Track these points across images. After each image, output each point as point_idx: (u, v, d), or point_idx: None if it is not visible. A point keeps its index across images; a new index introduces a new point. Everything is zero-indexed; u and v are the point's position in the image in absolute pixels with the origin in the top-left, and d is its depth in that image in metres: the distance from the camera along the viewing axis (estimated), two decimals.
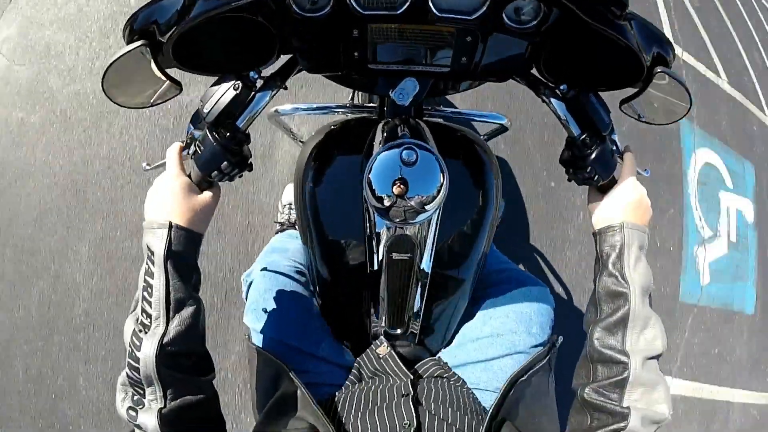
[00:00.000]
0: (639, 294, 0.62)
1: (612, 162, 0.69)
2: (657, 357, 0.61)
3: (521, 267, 1.90)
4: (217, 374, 0.65)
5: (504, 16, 0.62)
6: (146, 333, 0.57)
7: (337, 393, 0.71)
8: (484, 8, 0.60)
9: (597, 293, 0.67)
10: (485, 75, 0.75)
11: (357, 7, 0.60)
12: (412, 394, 0.65)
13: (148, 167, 0.71)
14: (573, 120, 0.69)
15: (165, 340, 0.56)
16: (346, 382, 0.75)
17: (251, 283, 0.86)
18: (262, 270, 0.87)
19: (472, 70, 0.72)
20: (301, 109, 1.01)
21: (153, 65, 0.60)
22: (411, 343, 0.80)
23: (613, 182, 0.70)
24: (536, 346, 0.78)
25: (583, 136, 0.68)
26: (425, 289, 0.76)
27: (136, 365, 0.56)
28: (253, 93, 0.65)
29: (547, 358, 0.75)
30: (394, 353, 0.75)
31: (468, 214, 0.80)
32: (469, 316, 0.84)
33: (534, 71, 0.73)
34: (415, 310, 0.77)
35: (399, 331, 0.78)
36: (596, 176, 0.69)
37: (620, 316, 0.62)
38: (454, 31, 0.65)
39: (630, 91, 0.69)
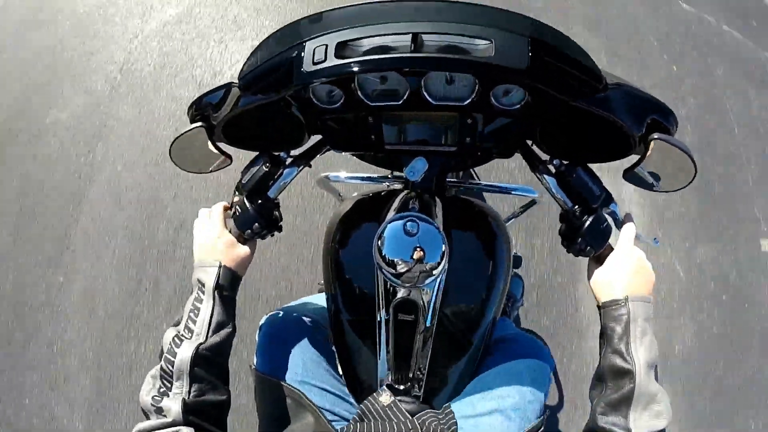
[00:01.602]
0: (644, 371, 0.62)
1: (604, 233, 0.71)
2: None
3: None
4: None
5: (493, 100, 0.69)
6: (188, 339, 0.68)
7: (343, 427, 0.74)
8: (474, 95, 0.69)
9: (602, 368, 0.66)
10: (490, 152, 0.82)
11: (366, 100, 0.71)
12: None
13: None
14: (564, 194, 0.73)
15: (203, 346, 0.68)
16: (352, 418, 0.78)
17: (261, 327, 0.93)
18: (271, 316, 0.94)
19: (477, 148, 0.79)
20: (347, 177, 1.13)
21: (208, 141, 0.77)
22: (415, 400, 0.81)
23: (609, 251, 0.71)
24: (532, 412, 0.78)
25: (574, 209, 0.71)
26: (429, 349, 0.79)
27: (172, 359, 0.66)
28: (281, 170, 0.79)
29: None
30: (397, 402, 0.77)
31: (478, 281, 0.85)
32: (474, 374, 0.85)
33: (534, 147, 0.78)
34: (419, 369, 0.80)
35: (402, 387, 0.80)
36: (588, 247, 0.71)
37: (624, 394, 0.62)
38: (455, 115, 0.74)
39: (634, 160, 0.70)
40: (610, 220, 0.73)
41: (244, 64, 0.69)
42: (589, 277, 0.73)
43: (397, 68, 0.64)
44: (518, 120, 0.73)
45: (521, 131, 0.76)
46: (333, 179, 1.14)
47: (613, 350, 0.64)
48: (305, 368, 0.84)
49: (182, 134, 0.77)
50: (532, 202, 1.14)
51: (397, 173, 1.17)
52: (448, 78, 0.68)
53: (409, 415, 0.75)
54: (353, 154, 0.91)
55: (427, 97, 0.70)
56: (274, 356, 0.86)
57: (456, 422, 0.77)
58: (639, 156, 0.68)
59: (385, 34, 0.62)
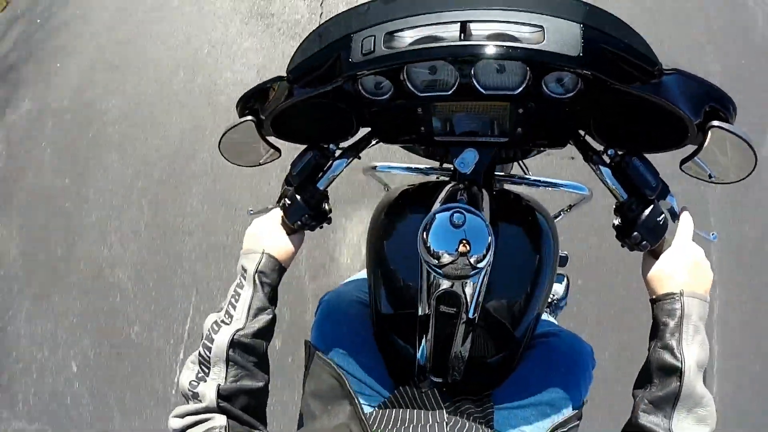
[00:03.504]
0: (694, 371, 0.59)
1: (661, 226, 0.68)
2: None
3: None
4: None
5: (545, 88, 0.68)
6: (227, 325, 0.70)
7: (374, 412, 0.75)
8: (525, 83, 0.68)
9: (649, 364, 0.64)
10: (543, 143, 0.80)
11: (415, 91, 0.71)
12: (446, 421, 0.67)
13: (252, 211, 0.89)
14: (619, 185, 0.70)
15: (240, 332, 0.69)
16: (384, 402, 0.80)
17: (320, 303, 0.96)
18: (331, 293, 0.98)
19: (528, 139, 0.78)
20: (394, 168, 1.14)
21: (258, 135, 0.80)
22: (453, 389, 0.82)
23: (666, 246, 0.68)
24: (566, 407, 0.78)
25: (630, 201, 0.68)
26: (469, 342, 0.78)
27: (210, 345, 0.68)
28: (331, 162, 0.81)
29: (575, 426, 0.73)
30: (435, 390, 0.78)
31: (523, 276, 0.84)
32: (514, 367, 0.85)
33: (587, 137, 0.75)
34: (459, 361, 0.80)
35: (441, 379, 0.81)
36: (644, 241, 0.68)
37: (670, 393, 0.59)
38: (507, 105, 0.73)
39: (691, 149, 0.68)
40: (667, 213, 0.70)
41: (292, 57, 0.70)
42: (643, 272, 0.71)
43: (446, 57, 0.64)
44: (571, 109, 0.71)
45: (574, 120, 0.74)
46: (380, 169, 1.16)
47: (663, 345, 0.62)
48: (353, 346, 0.86)
49: (231, 128, 0.79)
50: (582, 200, 1.10)
51: (445, 165, 1.17)
52: (498, 67, 0.67)
53: (442, 405, 0.75)
54: (402, 146, 0.92)
55: (477, 86, 0.69)
56: (326, 333, 0.89)
57: (493, 411, 0.78)
58: (696, 145, 0.65)
59: (435, 24, 0.62)
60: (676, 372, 0.60)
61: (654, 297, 0.67)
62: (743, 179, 0.67)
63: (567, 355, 0.83)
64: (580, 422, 0.78)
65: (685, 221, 0.70)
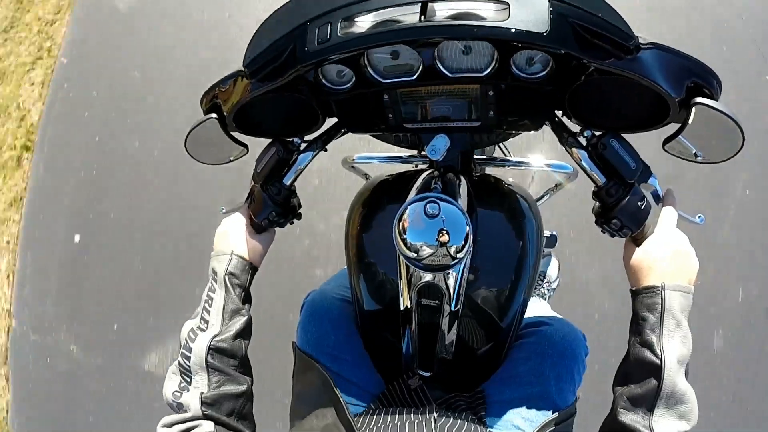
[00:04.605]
0: (674, 368, 0.57)
1: (642, 211, 0.64)
2: None
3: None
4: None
5: (514, 68, 0.64)
6: (203, 332, 0.69)
7: (363, 412, 0.74)
8: (493, 64, 0.64)
9: (628, 360, 0.62)
10: (517, 125, 0.76)
11: (378, 78, 0.68)
12: (435, 419, 0.67)
13: (224, 210, 0.86)
14: (597, 169, 0.66)
15: (217, 338, 0.68)
16: (374, 402, 0.79)
17: (304, 304, 0.95)
18: (314, 292, 0.96)
19: (502, 122, 0.74)
20: (373, 158, 1.11)
21: (222, 132, 0.76)
22: (443, 384, 0.81)
23: (649, 232, 0.65)
24: (560, 399, 0.76)
25: (608, 185, 0.65)
26: (454, 333, 0.77)
27: (189, 354, 0.67)
28: (295, 156, 0.78)
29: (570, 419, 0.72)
30: (424, 386, 0.77)
31: (507, 263, 0.81)
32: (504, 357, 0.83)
33: (564, 118, 0.72)
34: (445, 354, 0.78)
35: (428, 373, 0.79)
36: (624, 228, 0.65)
37: (650, 390, 0.58)
38: (477, 88, 0.69)
39: (674, 128, 0.64)
40: (649, 196, 0.67)
41: (246, 50, 0.66)
42: (624, 260, 0.68)
43: (406, 41, 0.60)
44: (544, 89, 0.67)
45: (548, 101, 0.70)
46: (358, 160, 1.12)
47: (643, 341, 0.60)
48: (338, 346, 0.85)
49: (194, 127, 0.76)
50: (568, 178, 1.07)
51: (423, 152, 1.13)
52: (463, 48, 0.63)
53: (433, 402, 0.74)
54: (373, 135, 0.88)
55: (443, 69, 0.65)
56: (310, 334, 0.87)
57: (485, 406, 0.77)
58: (680, 124, 0.62)
59: (394, 5, 0.58)
60: (656, 369, 0.58)
61: (634, 288, 0.64)
62: (730, 158, 0.64)
63: (559, 345, 0.81)
64: (574, 417, 0.77)
65: (669, 206, 0.66)
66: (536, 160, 1.03)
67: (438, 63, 0.64)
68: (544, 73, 0.64)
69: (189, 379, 0.67)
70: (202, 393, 0.66)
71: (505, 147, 1.24)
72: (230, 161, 0.85)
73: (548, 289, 1.37)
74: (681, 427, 0.57)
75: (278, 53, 0.64)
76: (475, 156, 0.97)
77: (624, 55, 0.57)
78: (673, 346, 0.58)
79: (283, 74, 0.65)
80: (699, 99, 0.58)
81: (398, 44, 0.62)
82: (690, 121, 0.60)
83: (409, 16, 0.58)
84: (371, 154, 1.10)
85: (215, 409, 0.66)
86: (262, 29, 0.66)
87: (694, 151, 0.64)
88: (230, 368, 0.69)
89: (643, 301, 0.62)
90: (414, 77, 0.67)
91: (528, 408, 0.75)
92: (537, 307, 1.07)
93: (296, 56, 0.62)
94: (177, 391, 0.67)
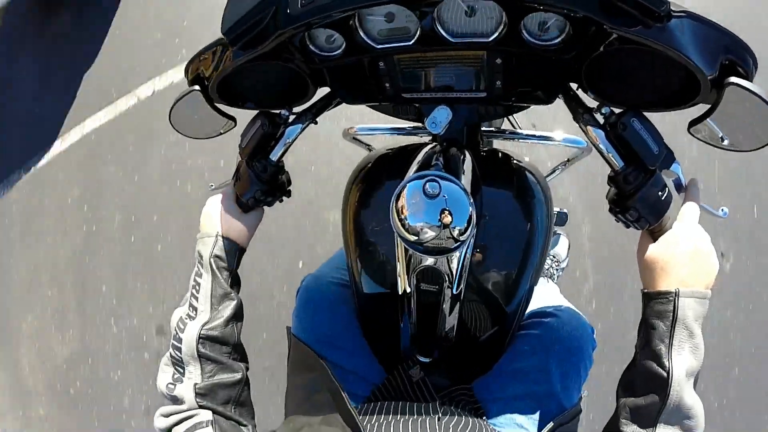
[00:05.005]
0: (682, 381, 0.53)
1: (662, 202, 0.58)
2: None
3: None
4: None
5: (525, 33, 0.57)
6: (192, 320, 0.66)
7: (364, 403, 0.72)
8: (501, 27, 0.56)
9: (634, 367, 0.58)
10: (527, 97, 0.69)
11: (371, 43, 0.61)
12: (438, 416, 0.64)
13: (212, 187, 0.82)
14: (615, 151, 0.59)
15: (207, 326, 0.65)
16: (374, 393, 0.77)
17: (299, 289, 0.91)
18: (310, 276, 0.93)
19: (510, 93, 0.67)
20: (376, 129, 1.05)
21: (207, 104, 0.71)
22: (443, 371, 0.78)
23: (667, 226, 0.59)
24: (564, 396, 0.73)
25: (626, 171, 0.58)
26: (455, 320, 0.73)
27: (179, 345, 0.65)
28: (282, 129, 0.72)
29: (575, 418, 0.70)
30: (426, 379, 0.74)
31: (513, 246, 0.76)
32: (509, 347, 0.80)
33: (580, 92, 0.64)
34: (446, 340, 0.75)
35: (428, 359, 0.77)
36: (641, 219, 0.58)
37: (654, 404, 0.54)
38: (483, 54, 0.62)
39: (702, 110, 0.56)
40: (671, 185, 0.60)
41: (223, 16, 0.59)
42: (638, 255, 0.61)
43: (399, 0, 0.53)
44: (558, 58, 0.59)
45: (563, 72, 0.62)
46: (360, 131, 1.06)
47: (651, 352, 0.56)
48: (334, 333, 0.82)
49: (178, 99, 0.71)
50: (581, 154, 0.99)
51: None
52: (467, 9, 0.56)
53: (436, 396, 0.72)
54: (371, 107, 0.82)
55: (443, 33, 0.58)
56: (305, 321, 0.85)
57: (488, 402, 0.74)
58: (710, 105, 0.54)
59: None
60: (663, 383, 0.54)
61: (646, 291, 0.59)
62: (759, 149, 0.56)
63: (566, 340, 0.77)
64: (579, 416, 0.74)
65: (692, 198, 0.60)
66: (548, 134, 0.96)
67: (438, 26, 0.58)
68: (559, 39, 0.57)
69: (182, 371, 0.65)
70: (195, 384, 0.63)
71: (514, 119, 1.16)
72: (220, 134, 0.80)
73: (557, 269, 1.32)
74: None
75: (259, 18, 0.57)
76: (485, 129, 0.91)
77: (653, 23, 0.49)
78: (683, 359, 0.54)
79: (265, 41, 0.58)
80: (733, 79, 0.51)
81: (392, 5, 0.55)
82: (721, 102, 0.52)
83: None
84: (373, 125, 1.04)
85: (210, 399, 0.63)
86: None
87: (721, 136, 0.57)
88: (223, 356, 0.67)
89: (654, 308, 0.56)
90: (411, 42, 0.60)
91: (532, 406, 0.72)
92: (545, 290, 1.02)
93: (278, 20, 0.56)
94: (171, 383, 0.64)
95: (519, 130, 1.00)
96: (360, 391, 0.78)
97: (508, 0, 0.52)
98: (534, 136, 0.97)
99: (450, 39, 0.59)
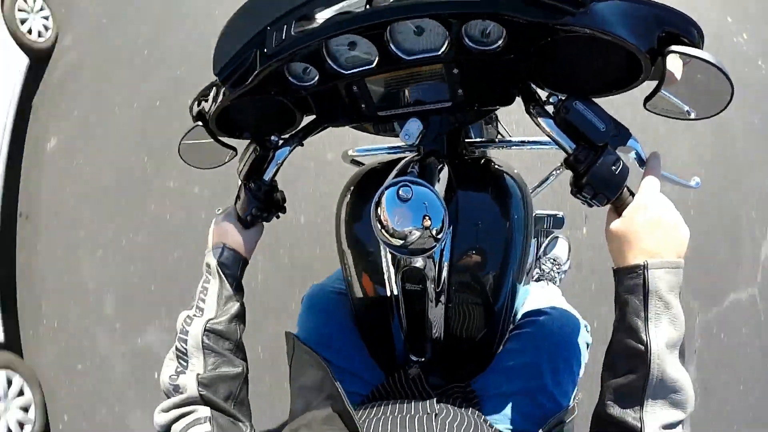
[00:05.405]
0: (663, 354, 0.52)
1: (617, 176, 0.59)
2: (678, 423, 0.52)
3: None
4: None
5: (469, 42, 0.63)
6: (198, 317, 0.72)
7: (363, 403, 0.75)
8: (447, 40, 0.62)
9: (613, 347, 0.57)
10: (489, 101, 0.74)
11: (340, 70, 0.69)
12: (436, 413, 0.66)
13: (219, 210, 0.90)
14: (564, 135, 0.63)
15: (212, 320, 0.71)
16: (374, 392, 0.79)
17: (303, 299, 0.97)
18: (314, 286, 0.99)
19: (473, 99, 0.73)
20: (371, 149, 1.12)
21: (210, 138, 0.81)
22: (440, 371, 0.80)
23: (629, 200, 0.60)
24: (558, 392, 0.74)
25: (577, 151, 0.61)
26: (442, 318, 0.76)
27: (185, 338, 0.69)
28: (272, 152, 0.80)
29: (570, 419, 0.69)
30: (423, 376, 0.76)
31: (493, 245, 0.79)
32: (503, 346, 0.82)
33: (535, 87, 0.70)
34: (435, 338, 0.78)
35: (421, 358, 0.79)
36: (597, 195, 0.60)
37: (637, 381, 0.53)
38: (440, 68, 0.68)
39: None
40: (628, 159, 0.61)
41: (214, 58, 0.70)
42: (606, 234, 0.62)
43: (351, 29, 0.61)
44: (505, 59, 0.65)
45: (514, 72, 0.67)
46: (357, 153, 1.14)
47: (626, 327, 0.54)
48: (335, 337, 0.87)
49: (184, 136, 0.82)
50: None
51: None
52: (415, 29, 0.63)
53: (432, 394, 0.73)
54: (353, 127, 0.90)
55: (399, 53, 0.65)
56: (308, 327, 0.90)
57: (483, 398, 0.76)
58: (657, 79, 0.56)
59: (338, 2, 0.60)
60: (642, 358, 0.52)
61: (615, 268, 0.58)
62: (722, 111, 0.57)
63: (556, 335, 0.78)
64: (575, 416, 0.73)
65: (652, 170, 0.60)
66: (538, 139, 0.99)
67: (393, 47, 0.64)
68: (501, 42, 0.62)
69: (185, 363, 0.68)
70: (198, 374, 0.67)
71: (504, 128, 1.22)
72: (224, 164, 0.90)
73: (558, 272, 1.31)
74: (675, 416, 0.52)
75: (242, 60, 0.67)
76: (471, 140, 0.96)
77: (575, 10, 0.53)
78: (661, 331, 0.52)
79: (250, 78, 0.68)
80: (672, 47, 0.53)
81: (347, 34, 0.62)
82: (666, 73, 0.54)
83: (358, 6, 0.59)
84: (370, 146, 1.11)
85: (212, 390, 0.66)
86: (224, 36, 0.69)
87: (685, 108, 0.58)
88: (226, 351, 0.70)
89: (625, 283, 0.56)
90: (374, 65, 0.67)
91: (526, 402, 0.72)
92: (546, 293, 1.02)
93: (258, 60, 0.65)
94: (173, 375, 0.68)
95: (510, 138, 1.05)
96: (359, 391, 0.81)
97: (438, 12, 0.57)
98: (525, 142, 1.00)
99: (405, 57, 0.65)
